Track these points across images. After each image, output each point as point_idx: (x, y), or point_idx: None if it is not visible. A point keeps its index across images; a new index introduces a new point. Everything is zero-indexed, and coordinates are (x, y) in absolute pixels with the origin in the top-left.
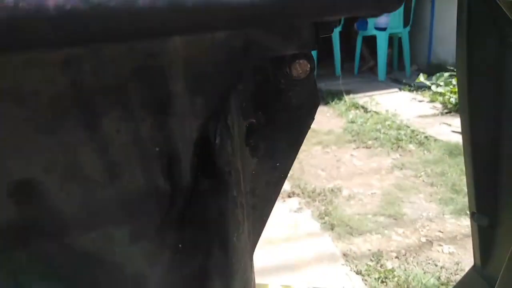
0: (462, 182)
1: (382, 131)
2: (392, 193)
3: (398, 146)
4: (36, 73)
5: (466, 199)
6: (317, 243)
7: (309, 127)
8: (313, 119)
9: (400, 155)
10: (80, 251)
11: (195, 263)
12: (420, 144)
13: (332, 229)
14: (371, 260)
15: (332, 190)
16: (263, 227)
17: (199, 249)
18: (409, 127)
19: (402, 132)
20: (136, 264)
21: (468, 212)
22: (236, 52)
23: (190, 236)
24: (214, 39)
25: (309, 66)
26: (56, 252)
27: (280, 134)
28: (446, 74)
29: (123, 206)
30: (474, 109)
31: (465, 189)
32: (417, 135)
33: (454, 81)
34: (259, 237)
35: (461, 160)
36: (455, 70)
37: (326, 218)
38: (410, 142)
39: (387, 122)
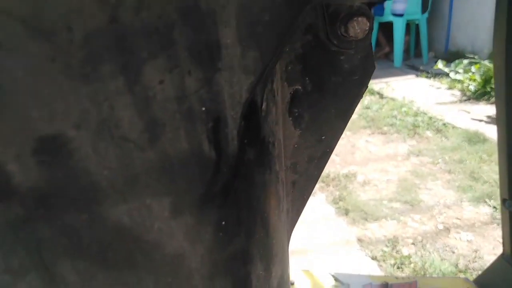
0: (481, 169)
1: (398, 117)
2: (409, 179)
3: (415, 133)
4: (68, 2)
5: (485, 186)
6: (331, 228)
7: (361, 96)
8: (367, 86)
9: (417, 141)
10: (113, 225)
11: (237, 244)
12: (438, 131)
13: (346, 214)
14: (386, 246)
15: (346, 175)
16: (303, 207)
17: (242, 227)
18: (426, 113)
19: (419, 118)
20: (176, 243)
21: (487, 200)
22: None
23: (233, 212)
24: None
25: (368, 24)
26: (86, 225)
27: (327, 103)
28: (466, 61)
29: (163, 173)
30: (510, 95)
31: (484, 177)
32: (434, 122)
33: (473, 68)
34: (298, 217)
35: (480, 147)
36: (474, 57)
37: (341, 203)
38: (428, 128)
39: (404, 109)
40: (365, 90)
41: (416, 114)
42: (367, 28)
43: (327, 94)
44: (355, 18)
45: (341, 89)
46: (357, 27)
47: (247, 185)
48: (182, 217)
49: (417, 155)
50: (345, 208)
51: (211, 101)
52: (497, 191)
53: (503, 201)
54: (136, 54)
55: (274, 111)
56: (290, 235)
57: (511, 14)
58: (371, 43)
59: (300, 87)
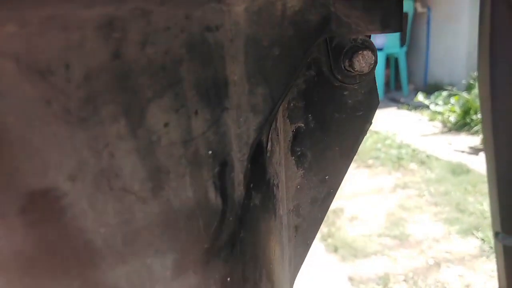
0: (466, 201)
1: (383, 150)
2: (396, 213)
3: (400, 165)
4: (67, 37)
5: (472, 218)
6: (321, 266)
7: (365, 133)
8: (371, 123)
9: (402, 174)
10: None
11: None
12: (422, 163)
13: (335, 251)
14: (377, 283)
15: (334, 210)
16: (306, 253)
17: (247, 283)
18: (409, 146)
19: (403, 151)
20: None
21: (474, 232)
22: (310, 28)
23: (239, 267)
24: (286, 10)
25: (373, 58)
26: None
27: (331, 141)
28: (445, 93)
29: (166, 228)
30: (497, 127)
31: (470, 208)
32: (418, 154)
33: (452, 100)
34: (301, 265)
35: (464, 178)
36: (452, 89)
37: (330, 239)
38: (412, 161)
39: (387, 141)
40: (370, 127)
41: (400, 147)
42: (372, 62)
43: (331, 132)
44: (361, 52)
45: (345, 126)
46: (363, 61)
47: (252, 234)
48: (186, 276)
49: (403, 188)
50: (334, 245)
51: (218, 144)
52: (483, 223)
53: (496, 234)
54: (140, 94)
55: (278, 150)
56: (293, 284)
57: (493, 43)
58: (374, 78)
59: (302, 125)
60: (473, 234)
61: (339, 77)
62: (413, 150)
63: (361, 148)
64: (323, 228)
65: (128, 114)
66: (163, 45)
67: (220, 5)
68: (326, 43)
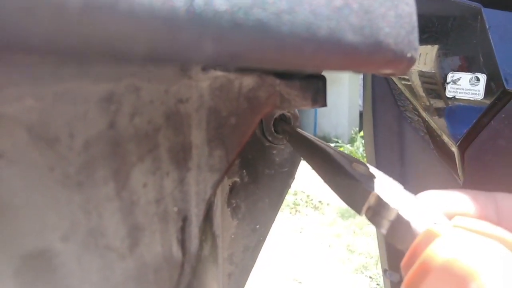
0: (355, 242)
1: None
2: (294, 255)
3: (296, 211)
4: (74, 109)
5: (361, 258)
6: None
7: (289, 187)
8: (294, 178)
9: (298, 218)
10: None
11: None
12: (316, 208)
13: None
14: None
15: None
16: None
17: None
18: (304, 192)
19: (299, 197)
20: None
21: (363, 271)
22: (260, 102)
23: None
24: (242, 87)
25: (297, 124)
26: None
27: (262, 194)
28: (332, 145)
29: (138, 283)
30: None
31: (359, 249)
32: (312, 200)
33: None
34: None
35: (352, 222)
36: (338, 141)
37: None
38: (306, 206)
39: None
40: (293, 181)
41: (296, 193)
42: (296, 127)
43: (262, 185)
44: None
45: (273, 181)
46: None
47: (202, 283)
48: None
49: (300, 232)
50: None
51: (182, 201)
52: (371, 262)
53: (384, 271)
54: (127, 159)
55: (219, 204)
56: None
57: (374, 105)
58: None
59: (238, 179)
60: (362, 272)
61: (269, 138)
62: (307, 196)
63: None
64: None
65: (116, 178)
66: (147, 116)
67: (190, 81)
68: None
